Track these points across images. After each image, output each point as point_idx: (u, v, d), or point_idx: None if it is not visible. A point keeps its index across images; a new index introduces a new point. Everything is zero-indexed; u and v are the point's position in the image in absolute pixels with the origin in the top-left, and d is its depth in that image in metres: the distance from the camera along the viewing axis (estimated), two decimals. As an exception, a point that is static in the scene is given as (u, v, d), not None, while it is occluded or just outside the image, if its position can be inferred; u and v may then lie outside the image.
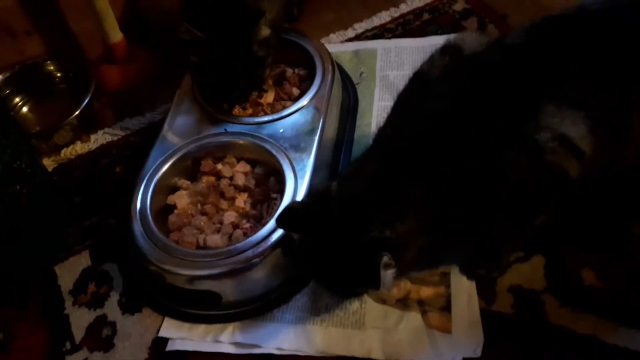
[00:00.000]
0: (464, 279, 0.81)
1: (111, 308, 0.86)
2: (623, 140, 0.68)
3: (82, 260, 0.93)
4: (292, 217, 0.71)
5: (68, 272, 0.91)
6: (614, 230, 0.83)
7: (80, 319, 0.86)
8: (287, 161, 0.88)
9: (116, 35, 1.12)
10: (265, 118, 0.96)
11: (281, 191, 0.85)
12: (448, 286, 0.81)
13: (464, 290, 0.80)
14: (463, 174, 0.66)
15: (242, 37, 0.90)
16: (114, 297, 0.88)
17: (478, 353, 0.73)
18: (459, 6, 1.25)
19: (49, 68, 1.19)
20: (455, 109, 0.68)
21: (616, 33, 0.68)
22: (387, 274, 0.64)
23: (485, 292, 0.79)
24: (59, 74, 1.20)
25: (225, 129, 0.95)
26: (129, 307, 0.86)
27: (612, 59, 0.67)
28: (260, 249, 0.78)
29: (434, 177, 0.66)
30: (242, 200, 0.89)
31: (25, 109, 1.18)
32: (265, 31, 0.91)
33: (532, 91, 0.66)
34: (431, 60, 0.76)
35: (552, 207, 0.71)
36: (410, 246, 0.67)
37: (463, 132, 0.67)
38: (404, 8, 1.27)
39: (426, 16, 1.25)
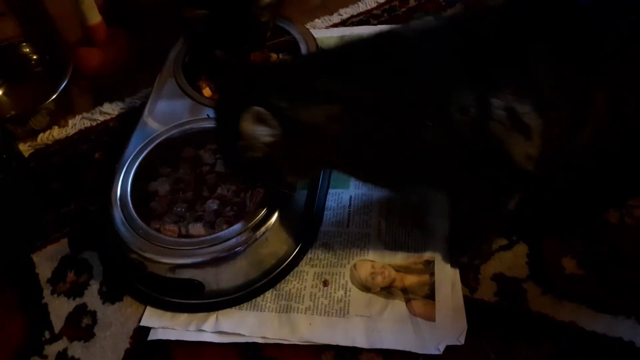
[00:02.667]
0: (448, 267, 0.81)
1: (91, 297, 0.85)
2: (583, 121, 0.65)
3: (61, 248, 0.91)
4: None
5: (46, 261, 0.89)
6: (589, 218, 0.84)
7: (59, 308, 0.84)
8: (270, 148, 0.86)
9: (94, 17, 1.09)
10: (249, 104, 0.94)
11: (265, 179, 0.84)
12: (432, 274, 0.81)
13: (447, 279, 0.80)
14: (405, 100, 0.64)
15: (241, 4, 0.92)
16: (94, 286, 0.86)
17: (461, 340, 0.74)
18: (445, -8, 1.25)
19: (25, 50, 1.16)
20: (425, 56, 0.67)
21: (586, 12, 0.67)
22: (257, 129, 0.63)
23: (469, 280, 0.80)
24: (35, 57, 1.16)
25: (208, 115, 0.93)
26: (109, 295, 0.85)
27: (577, 35, 0.65)
28: (243, 237, 0.77)
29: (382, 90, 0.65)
30: (224, 188, 0.88)
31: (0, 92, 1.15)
32: None
33: (504, 57, 0.64)
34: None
35: (517, 190, 0.72)
36: (322, 129, 0.66)
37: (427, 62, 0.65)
38: (390, -6, 1.26)
39: (412, 2, 1.24)
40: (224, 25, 0.92)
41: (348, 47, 0.72)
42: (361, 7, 1.24)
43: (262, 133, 0.64)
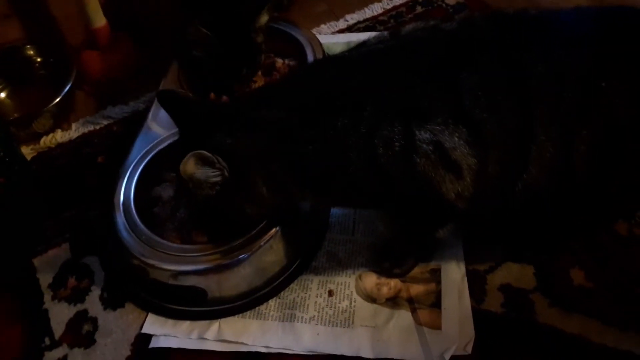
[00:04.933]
0: (455, 274, 0.80)
1: (92, 303, 0.84)
2: (527, 144, 0.61)
3: (62, 254, 0.90)
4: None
5: (47, 266, 0.88)
6: (595, 232, 0.82)
7: (59, 314, 0.83)
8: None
9: (99, 20, 1.09)
10: (254, 109, 0.93)
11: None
12: (438, 282, 0.80)
13: (454, 287, 0.79)
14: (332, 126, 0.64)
15: (243, 26, 0.90)
16: (95, 292, 0.85)
17: (468, 350, 0.72)
18: (452, 0, 1.24)
19: (29, 53, 1.15)
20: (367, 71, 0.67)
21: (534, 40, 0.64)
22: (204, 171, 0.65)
23: (476, 291, 0.79)
24: (39, 59, 1.16)
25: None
26: (110, 302, 0.84)
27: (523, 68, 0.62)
28: (247, 244, 0.76)
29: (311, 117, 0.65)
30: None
31: (3, 95, 1.14)
32: (264, 17, 0.90)
33: (439, 84, 0.62)
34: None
35: (448, 222, 0.71)
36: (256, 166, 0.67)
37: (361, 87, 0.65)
38: (396, 0, 1.26)
39: (419, 9, 1.24)
40: (226, 48, 0.90)
41: (292, 75, 0.74)
42: (367, 13, 1.24)
43: (208, 174, 0.66)
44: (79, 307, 0.84)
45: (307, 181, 0.68)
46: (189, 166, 0.65)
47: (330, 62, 0.78)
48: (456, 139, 0.60)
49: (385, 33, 0.73)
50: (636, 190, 0.67)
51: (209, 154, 0.64)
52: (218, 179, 0.67)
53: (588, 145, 0.61)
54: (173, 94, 0.74)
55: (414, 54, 0.66)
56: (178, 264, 0.76)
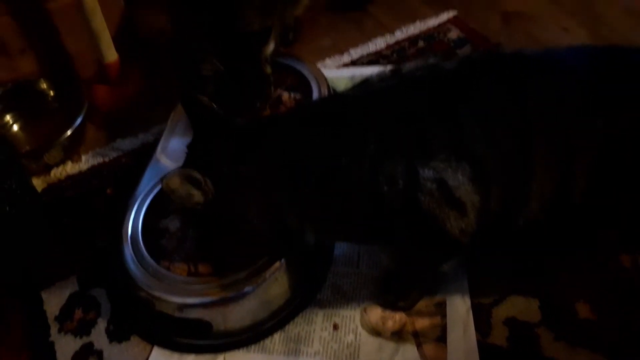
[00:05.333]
0: (460, 308, 0.80)
1: (98, 336, 0.84)
2: (527, 181, 0.62)
3: (70, 285, 0.90)
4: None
5: (54, 297, 0.89)
6: (598, 260, 0.83)
7: (65, 347, 0.83)
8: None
9: (111, 55, 1.12)
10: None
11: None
12: (444, 316, 0.80)
13: (459, 320, 0.79)
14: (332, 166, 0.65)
15: (253, 57, 0.92)
16: (101, 324, 0.85)
17: (474, 384, 0.72)
18: (453, 34, 1.27)
19: (42, 86, 1.19)
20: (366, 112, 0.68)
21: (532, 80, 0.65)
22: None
23: (481, 324, 0.78)
24: (51, 93, 1.19)
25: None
26: (116, 334, 0.84)
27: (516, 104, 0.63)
28: (253, 277, 0.77)
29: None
30: (235, 226, 0.88)
31: (15, 128, 1.17)
32: (271, 46, 0.93)
33: (440, 121, 0.64)
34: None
35: (452, 256, 0.72)
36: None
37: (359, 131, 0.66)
38: (399, 35, 1.29)
39: (421, 44, 1.26)
40: (238, 81, 0.93)
41: (298, 110, 0.76)
42: (371, 48, 1.27)
43: (192, 193, 0.68)
44: (85, 339, 0.84)
45: (308, 214, 0.69)
46: (173, 182, 0.67)
47: (333, 100, 0.79)
48: (460, 176, 0.61)
49: (387, 70, 0.75)
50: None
51: (198, 175, 0.66)
52: (201, 199, 0.68)
53: (587, 180, 0.62)
54: (196, 100, 0.75)
55: (415, 93, 0.67)
56: (184, 296, 0.77)
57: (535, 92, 0.63)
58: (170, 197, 0.69)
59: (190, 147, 0.75)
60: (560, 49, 0.70)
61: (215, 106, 0.75)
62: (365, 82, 0.74)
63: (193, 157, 0.73)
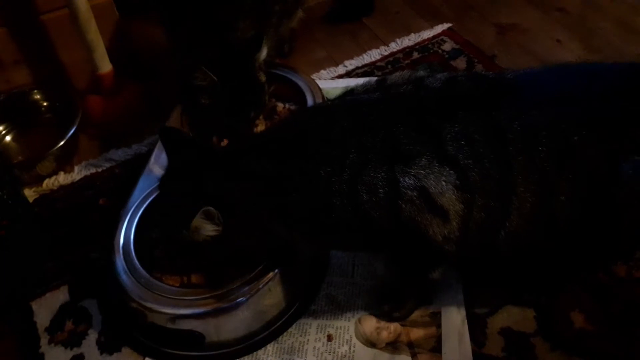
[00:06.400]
0: (455, 318, 0.80)
1: (89, 347, 0.83)
2: (508, 204, 0.63)
3: (60, 296, 0.89)
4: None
5: (45, 308, 0.88)
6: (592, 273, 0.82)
7: (56, 358, 0.82)
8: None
9: (105, 66, 1.12)
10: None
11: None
12: (439, 326, 0.79)
13: (454, 330, 0.78)
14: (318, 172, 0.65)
15: (247, 65, 0.92)
16: (92, 336, 0.84)
17: (470, 396, 0.71)
18: (448, 46, 1.28)
19: (35, 97, 1.18)
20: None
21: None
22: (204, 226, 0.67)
23: (476, 334, 0.78)
24: (45, 104, 1.19)
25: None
26: (107, 346, 0.83)
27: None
28: (246, 287, 0.76)
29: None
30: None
31: (8, 138, 1.16)
32: (263, 52, 0.93)
33: (421, 133, 0.64)
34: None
35: (440, 264, 0.72)
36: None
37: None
38: (394, 47, 1.30)
39: (416, 55, 1.27)
40: (233, 91, 0.93)
41: (280, 124, 0.77)
42: (365, 59, 1.28)
43: (208, 228, 0.68)
44: (75, 351, 0.83)
45: (294, 225, 0.69)
46: (196, 221, 0.66)
47: (317, 110, 0.80)
48: (443, 183, 0.61)
49: (373, 81, 0.75)
50: (626, 233, 0.68)
51: (214, 210, 0.65)
52: (214, 233, 0.68)
53: (567, 196, 0.62)
54: (175, 132, 0.76)
55: (398, 106, 0.68)
56: (176, 307, 0.76)
57: (513, 113, 0.64)
58: (185, 235, 0.69)
59: (167, 178, 0.74)
60: (543, 69, 0.72)
61: (192, 136, 0.75)
62: (350, 92, 0.75)
63: (176, 189, 0.72)
